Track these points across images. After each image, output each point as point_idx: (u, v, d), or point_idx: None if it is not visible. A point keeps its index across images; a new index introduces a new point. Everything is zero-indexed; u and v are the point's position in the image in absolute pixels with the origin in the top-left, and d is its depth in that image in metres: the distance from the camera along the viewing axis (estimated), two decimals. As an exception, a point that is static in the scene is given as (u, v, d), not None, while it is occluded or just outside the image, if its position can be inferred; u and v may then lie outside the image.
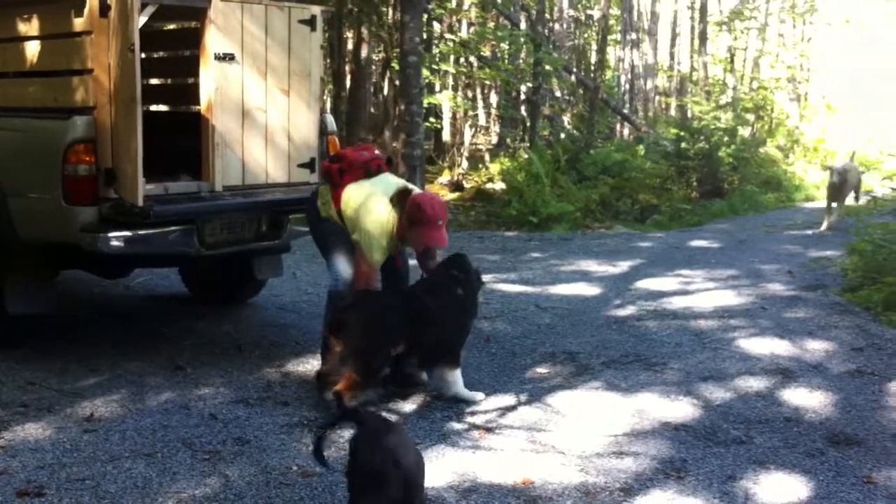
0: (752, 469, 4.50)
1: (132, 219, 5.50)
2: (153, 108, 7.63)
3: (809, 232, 12.50)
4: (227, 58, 6.01)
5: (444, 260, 5.62)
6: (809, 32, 29.47)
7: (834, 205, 12.62)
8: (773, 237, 12.36)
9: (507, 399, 5.49)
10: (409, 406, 5.36)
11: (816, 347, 6.57)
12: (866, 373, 6.00)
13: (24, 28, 6.03)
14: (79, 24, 5.61)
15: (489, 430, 5.00)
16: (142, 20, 5.50)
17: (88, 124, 5.55)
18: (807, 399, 5.52)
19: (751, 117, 22.00)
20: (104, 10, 5.45)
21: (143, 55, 5.50)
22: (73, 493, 4.07)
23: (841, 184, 12.41)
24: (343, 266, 5.55)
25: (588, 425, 5.08)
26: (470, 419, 5.16)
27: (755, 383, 5.80)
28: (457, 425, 5.07)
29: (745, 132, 20.15)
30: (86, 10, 5.54)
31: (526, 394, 5.58)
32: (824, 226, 12.49)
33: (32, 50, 5.99)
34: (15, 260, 5.96)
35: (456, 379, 5.41)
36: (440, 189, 16.84)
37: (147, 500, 4.04)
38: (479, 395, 5.47)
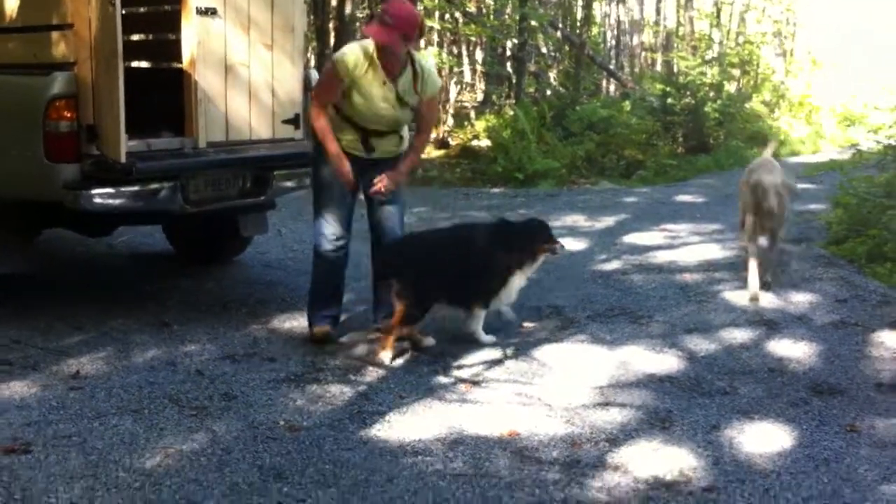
0: (737, 419, 4.54)
1: (115, 175, 5.45)
2: (135, 64, 7.54)
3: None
4: (210, 12, 5.93)
5: (522, 220, 6.00)
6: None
7: (763, 241, 6.86)
8: (759, 192, 12.36)
9: (494, 353, 5.51)
10: (395, 361, 5.36)
11: (801, 299, 6.61)
12: (850, 324, 6.05)
13: (1, -17, 5.93)
14: (58, -23, 5.52)
15: (475, 383, 5.02)
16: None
17: (69, 80, 5.47)
18: (791, 350, 5.56)
19: (737, 72, 21.96)
20: (83, -38, 5.36)
21: (123, 10, 5.41)
22: (60, 450, 4.07)
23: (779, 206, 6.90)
24: (325, 226, 5.55)
25: (574, 378, 5.11)
26: (456, 373, 5.18)
27: (739, 335, 5.84)
28: (443, 379, 5.09)
29: (730, 87, 20.15)
30: (64, -37, 5.45)
31: (512, 348, 5.60)
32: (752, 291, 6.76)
33: (11, 5, 5.88)
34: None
35: (479, 318, 5.70)
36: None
37: (134, 455, 4.04)
38: (491, 338, 5.70)
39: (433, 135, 17.25)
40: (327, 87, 5.43)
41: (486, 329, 5.70)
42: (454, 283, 5.57)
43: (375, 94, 5.32)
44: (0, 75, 5.86)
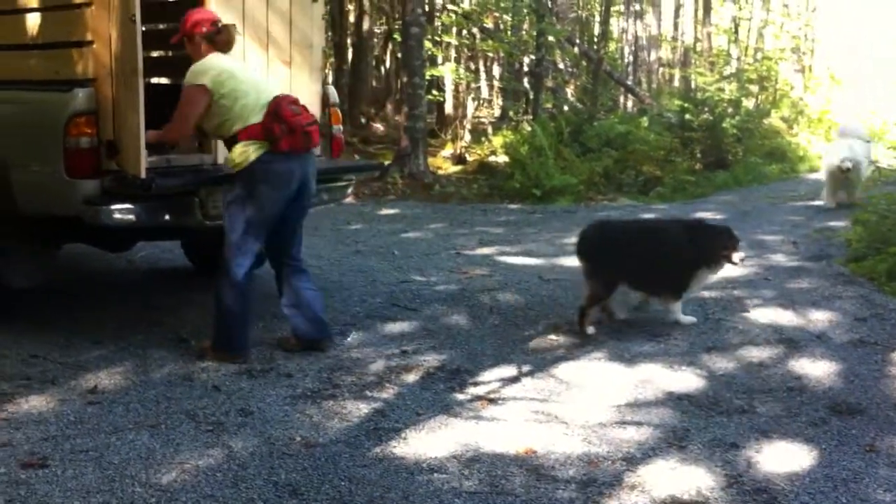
0: (755, 438, 4.51)
1: (134, 191, 5.49)
2: (155, 80, 7.59)
3: (814, 203, 12.44)
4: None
5: (715, 226, 6.51)
6: (814, 2, 29.24)
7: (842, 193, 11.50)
8: (777, 208, 12.32)
9: (510, 370, 5.50)
10: (411, 377, 5.37)
11: (820, 317, 6.56)
12: (869, 343, 6.00)
13: (24, 0, 5.99)
14: (79, -5, 5.57)
15: (492, 400, 5.01)
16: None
17: (90, 96, 5.52)
18: (810, 369, 5.52)
19: (755, 88, 21.88)
20: (104, -19, 5.41)
21: (144, 27, 5.46)
22: (77, 465, 4.09)
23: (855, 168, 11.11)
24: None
25: (591, 395, 5.09)
26: (472, 390, 5.17)
27: (758, 353, 5.80)
28: (459, 396, 5.08)
29: (749, 103, 20.07)
30: (86, -18, 5.50)
31: (529, 365, 5.59)
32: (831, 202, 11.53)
33: (33, 22, 5.94)
34: (17, 233, 5.95)
35: (676, 308, 6.34)
36: (443, 162, 16.80)
37: (151, 470, 4.06)
38: (692, 319, 6.33)
39: (451, 151, 17.33)
40: None
41: (494, 345, 5.70)
42: (641, 271, 6.19)
43: None
44: (22, 91, 5.92)
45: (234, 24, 5.65)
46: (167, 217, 5.79)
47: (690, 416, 4.80)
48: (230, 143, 5.42)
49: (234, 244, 5.47)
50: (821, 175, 11.98)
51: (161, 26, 7.44)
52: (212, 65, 5.40)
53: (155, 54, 7.86)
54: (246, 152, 5.34)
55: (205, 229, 6.00)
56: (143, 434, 4.45)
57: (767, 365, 5.60)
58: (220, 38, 5.49)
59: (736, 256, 6.19)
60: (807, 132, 21.26)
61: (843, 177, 11.07)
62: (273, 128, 5.31)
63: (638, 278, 6.28)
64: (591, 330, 6.18)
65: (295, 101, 5.49)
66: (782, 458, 4.30)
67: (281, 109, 5.35)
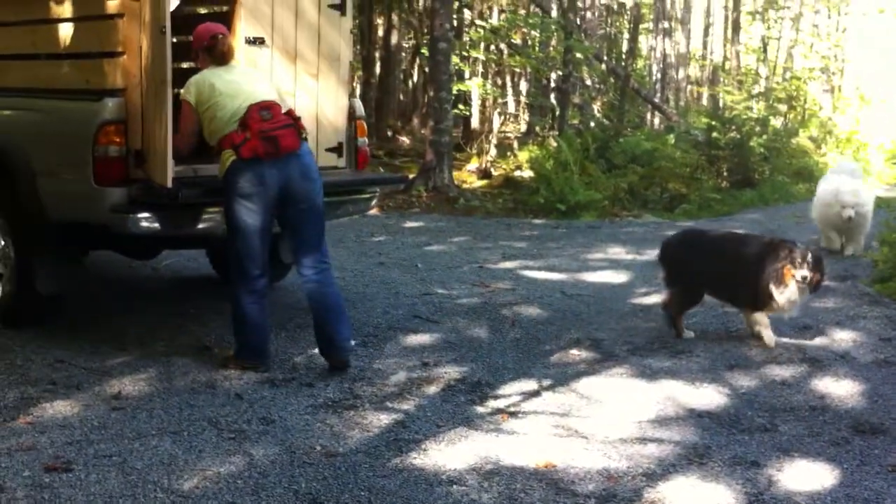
0: (776, 456, 4.49)
1: (161, 200, 5.55)
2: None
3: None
4: (258, 42, 6.04)
5: (784, 241, 6.34)
6: (844, 23, 29.15)
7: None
8: (804, 227, 12.24)
9: (531, 384, 5.50)
10: (432, 389, 5.38)
11: (844, 337, 6.52)
12: (893, 363, 5.96)
13: (56, 10, 6.08)
14: (111, 6, 5.65)
15: (512, 414, 5.01)
16: (173, 4, 5.55)
17: (119, 106, 5.60)
18: (833, 388, 5.49)
19: (783, 108, 21.81)
20: (135, -7, 5.49)
21: (173, 39, 5.53)
22: (101, 469, 4.13)
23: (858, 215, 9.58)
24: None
25: (612, 411, 5.08)
26: (493, 403, 5.17)
27: (781, 371, 5.77)
28: (480, 409, 5.08)
29: (777, 122, 20.00)
30: (117, -7, 5.58)
31: (550, 379, 5.59)
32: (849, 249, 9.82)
33: (65, 32, 6.03)
34: (44, 239, 6.02)
35: (757, 321, 6.32)
36: (468, 176, 16.82)
37: (173, 476, 4.09)
38: (773, 339, 6.25)
39: (476, 165, 17.36)
40: None
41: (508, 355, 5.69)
42: (721, 281, 6.37)
43: None
44: (53, 100, 6.01)
45: (226, 35, 5.70)
46: (192, 226, 5.85)
47: (712, 433, 4.78)
48: (217, 153, 5.50)
49: (235, 252, 5.52)
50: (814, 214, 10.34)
51: (190, 38, 7.50)
52: (196, 79, 5.53)
53: (185, 65, 7.93)
54: (223, 162, 5.42)
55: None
56: (166, 440, 4.49)
57: (790, 383, 5.57)
58: (216, 50, 5.58)
59: (799, 274, 6.01)
60: (835, 152, 21.16)
61: (845, 225, 9.67)
62: (234, 137, 5.36)
63: (718, 288, 6.45)
64: (689, 334, 6.43)
65: (268, 107, 5.45)
66: (804, 477, 4.27)
67: (248, 117, 5.39)
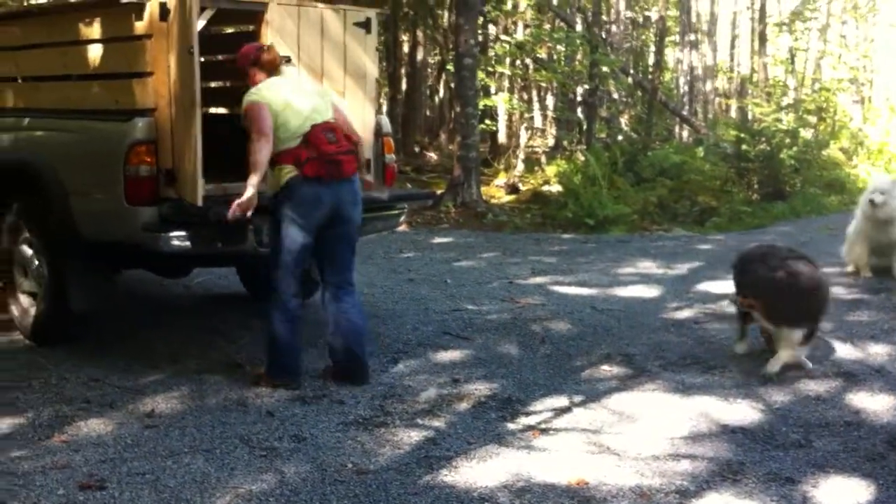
0: (811, 472, 4.43)
1: (191, 219, 5.59)
2: (213, 110, 7.73)
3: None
4: (284, 60, 6.07)
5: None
6: (872, 33, 28.93)
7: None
8: (837, 239, 12.09)
9: (562, 400, 5.47)
10: (463, 406, 5.36)
11: (879, 351, 6.44)
12: (930, 377, 5.88)
13: (86, 31, 6.15)
14: (139, 27, 5.71)
15: (543, 430, 4.98)
16: (200, 23, 5.59)
17: (149, 126, 5.65)
18: (868, 403, 5.42)
19: (813, 119, 21.66)
20: (164, 13, 5.55)
21: (201, 58, 5.58)
22: (134, 487, 4.15)
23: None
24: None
25: (644, 427, 5.04)
26: (524, 420, 5.15)
27: (815, 386, 5.71)
28: (511, 426, 5.06)
29: (807, 134, 19.87)
30: (146, 14, 5.64)
31: (581, 395, 5.56)
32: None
33: (94, 53, 6.11)
34: (78, 258, 6.08)
35: (788, 336, 5.93)
36: (496, 191, 16.83)
37: (205, 494, 4.10)
38: (809, 365, 5.98)
39: (504, 180, 17.36)
40: None
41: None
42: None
43: None
44: (83, 121, 6.08)
45: (270, 45, 5.74)
46: (223, 244, 5.88)
47: (746, 449, 4.73)
48: (272, 166, 5.49)
49: (276, 268, 5.54)
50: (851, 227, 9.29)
51: (219, 57, 7.58)
52: (267, 85, 5.50)
53: (213, 85, 8.01)
54: (280, 176, 5.43)
55: (259, 256, 6.07)
56: (199, 458, 4.50)
57: (824, 398, 5.51)
58: (264, 60, 5.57)
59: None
60: (867, 163, 20.96)
61: (881, 223, 8.62)
62: (300, 153, 5.40)
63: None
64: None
65: (333, 129, 5.54)
66: (839, 493, 4.22)
67: (313, 136, 5.43)
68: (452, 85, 20.01)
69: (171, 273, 7.45)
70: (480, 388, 5.66)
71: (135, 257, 6.20)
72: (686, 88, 28.22)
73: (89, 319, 6.33)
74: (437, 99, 28.39)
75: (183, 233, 5.63)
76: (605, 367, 6.13)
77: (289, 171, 5.41)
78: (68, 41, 6.30)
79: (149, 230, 5.62)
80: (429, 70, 25.97)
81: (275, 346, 5.64)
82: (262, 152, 5.31)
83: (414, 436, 4.87)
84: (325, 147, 5.43)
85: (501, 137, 21.61)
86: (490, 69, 19.52)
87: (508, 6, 20.48)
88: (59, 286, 6.14)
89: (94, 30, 6.10)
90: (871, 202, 8.54)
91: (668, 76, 28.10)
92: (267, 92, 5.45)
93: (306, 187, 5.41)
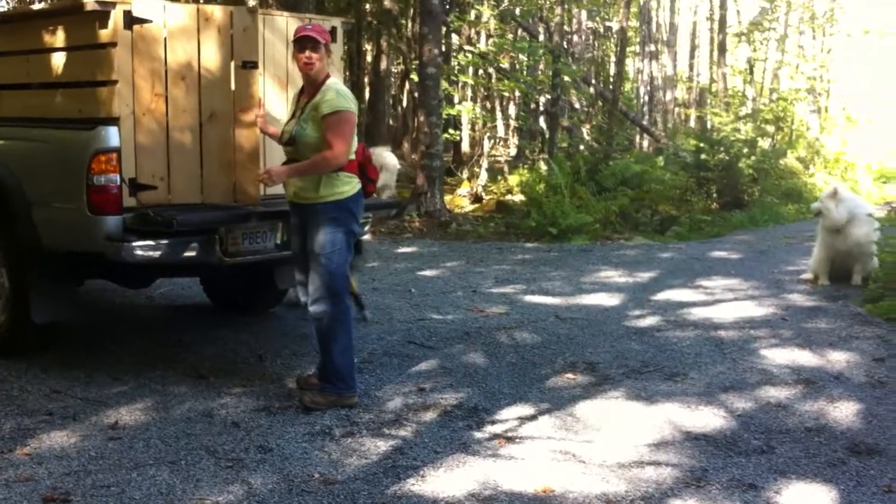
0: (774, 478, 4.50)
1: (155, 228, 5.56)
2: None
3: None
4: (251, 66, 6.06)
5: None
6: (829, 43, 29.39)
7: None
8: (794, 248, 12.32)
9: (527, 409, 5.50)
10: (429, 415, 5.38)
11: (837, 358, 6.55)
12: (887, 383, 5.98)
13: (50, 39, 6.10)
14: (104, 35, 5.66)
15: (509, 439, 5.01)
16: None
17: (113, 135, 5.61)
18: (828, 409, 5.51)
19: (771, 129, 21.94)
20: (128, 22, 5.52)
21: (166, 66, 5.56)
22: (99, 500, 4.12)
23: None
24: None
25: (609, 434, 5.08)
26: (490, 428, 5.17)
27: (776, 393, 5.79)
28: (477, 434, 5.08)
29: (765, 144, 20.12)
30: (111, 22, 5.60)
31: (546, 403, 5.59)
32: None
33: (58, 61, 6.05)
34: (39, 268, 6.02)
35: None
36: (460, 200, 16.86)
37: (171, 506, 4.08)
38: None
39: (467, 189, 17.40)
40: None
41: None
42: None
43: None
44: (45, 129, 6.02)
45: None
46: (188, 254, 5.85)
47: (709, 456, 4.79)
48: (334, 172, 5.38)
49: (328, 276, 5.36)
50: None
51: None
52: (347, 92, 5.45)
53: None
54: (338, 183, 5.37)
55: (223, 266, 6.05)
56: (164, 470, 4.48)
57: (785, 405, 5.59)
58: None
59: None
60: (823, 172, 21.29)
61: (832, 231, 8.96)
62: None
63: None
64: None
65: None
66: (801, 498, 4.28)
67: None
68: (416, 94, 20.03)
69: (134, 283, 7.39)
70: (446, 397, 5.67)
71: (98, 267, 6.13)
72: (646, 98, 28.53)
73: (51, 330, 6.26)
74: (400, 108, 28.42)
75: (147, 242, 5.59)
76: (570, 375, 6.18)
77: (354, 182, 5.45)
78: (32, 49, 6.24)
79: (112, 240, 5.57)
80: (392, 79, 25.97)
81: (339, 358, 5.47)
82: (340, 160, 5.29)
83: (381, 445, 4.88)
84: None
85: (465, 147, 21.69)
86: (453, 78, 19.57)
87: (472, 16, 20.54)
88: (20, 297, 6.07)
89: (58, 38, 6.05)
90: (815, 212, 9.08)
91: (628, 86, 28.34)
92: (352, 102, 5.41)
93: (361, 202, 5.55)
